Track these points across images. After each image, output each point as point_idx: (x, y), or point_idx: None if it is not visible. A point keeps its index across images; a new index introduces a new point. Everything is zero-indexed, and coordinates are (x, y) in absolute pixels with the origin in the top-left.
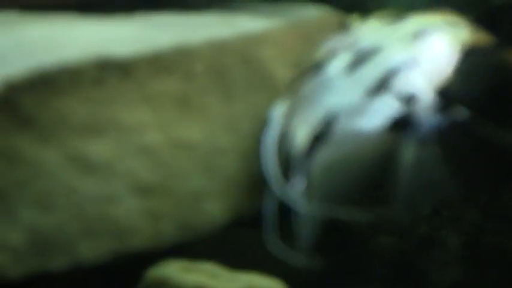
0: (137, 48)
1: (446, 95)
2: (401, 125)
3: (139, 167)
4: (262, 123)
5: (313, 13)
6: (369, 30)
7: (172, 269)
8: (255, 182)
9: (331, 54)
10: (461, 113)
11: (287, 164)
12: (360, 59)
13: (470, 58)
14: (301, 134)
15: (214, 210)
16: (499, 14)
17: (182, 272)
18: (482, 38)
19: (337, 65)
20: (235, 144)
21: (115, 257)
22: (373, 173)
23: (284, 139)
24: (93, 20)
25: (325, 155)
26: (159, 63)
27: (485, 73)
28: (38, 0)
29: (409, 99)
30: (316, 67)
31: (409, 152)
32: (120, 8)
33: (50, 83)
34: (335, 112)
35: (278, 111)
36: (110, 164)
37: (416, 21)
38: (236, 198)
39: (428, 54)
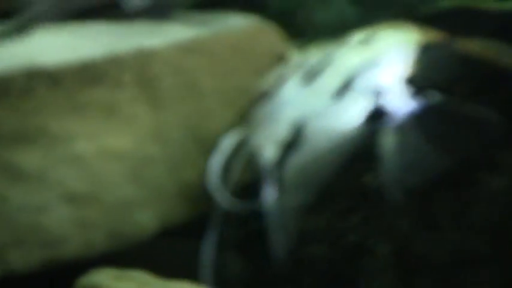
0: (66, 58)
1: (415, 83)
2: (376, 116)
3: (69, 176)
4: (190, 133)
5: (243, 22)
6: (314, 52)
7: (103, 277)
8: (185, 191)
9: (280, 80)
10: (433, 96)
11: (254, 181)
12: (314, 72)
13: (429, 50)
14: (269, 147)
15: (144, 219)
16: (426, 23)
17: (113, 280)
18: (434, 35)
19: (290, 85)
20: (164, 153)
21: (46, 265)
22: (352, 165)
23: (238, 163)
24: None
25: (297, 159)
26: (88, 73)
27: (447, 61)
28: None
29: (378, 93)
30: (266, 94)
31: (388, 139)
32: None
33: None
34: (302, 119)
35: (229, 140)
36: (41, 173)
37: (361, 33)
38: (166, 207)
39: (384, 53)
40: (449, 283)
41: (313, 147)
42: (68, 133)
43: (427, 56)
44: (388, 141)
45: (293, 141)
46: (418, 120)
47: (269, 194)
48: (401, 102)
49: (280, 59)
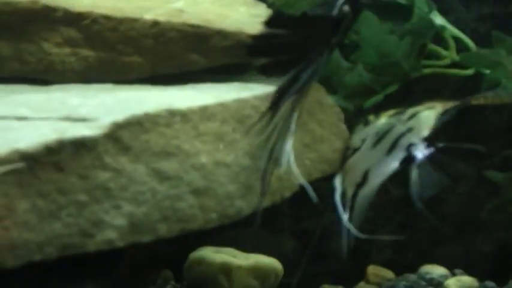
0: (191, 103)
1: (431, 138)
2: (408, 160)
3: (195, 178)
4: (267, 151)
5: None
6: (384, 121)
7: (206, 251)
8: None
9: (363, 140)
10: (437, 144)
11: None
12: (380, 137)
13: (442, 115)
14: (350, 188)
15: (241, 206)
16: (416, 85)
17: (214, 253)
18: (450, 104)
19: (366, 145)
20: (253, 164)
21: (182, 234)
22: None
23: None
24: (161, 87)
25: (363, 193)
26: (205, 113)
27: (452, 115)
28: (122, 76)
29: (409, 147)
30: (354, 149)
31: (414, 171)
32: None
33: (139, 124)
34: (368, 168)
35: (337, 180)
36: (178, 176)
37: (411, 110)
38: (253, 199)
39: (419, 122)
40: None
41: (372, 184)
42: (195, 150)
43: (440, 119)
44: (414, 173)
45: (362, 182)
46: (429, 159)
47: (345, 217)
48: (422, 151)
49: (321, 105)
